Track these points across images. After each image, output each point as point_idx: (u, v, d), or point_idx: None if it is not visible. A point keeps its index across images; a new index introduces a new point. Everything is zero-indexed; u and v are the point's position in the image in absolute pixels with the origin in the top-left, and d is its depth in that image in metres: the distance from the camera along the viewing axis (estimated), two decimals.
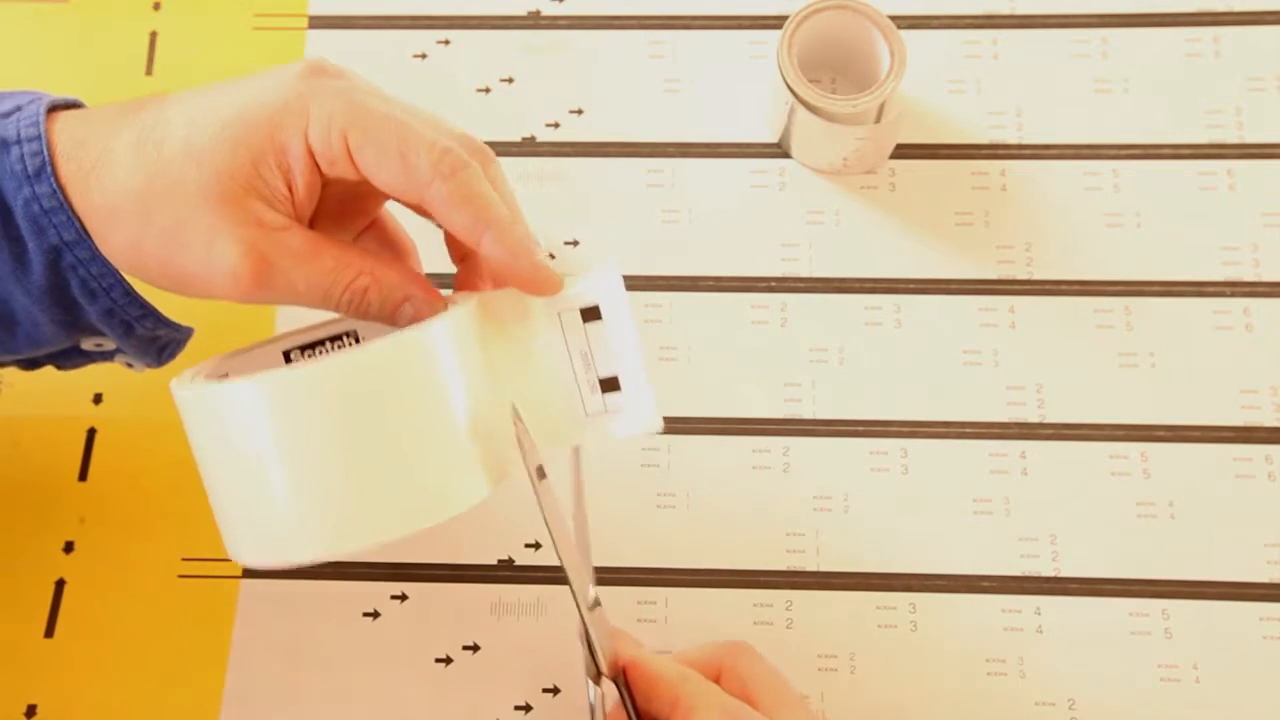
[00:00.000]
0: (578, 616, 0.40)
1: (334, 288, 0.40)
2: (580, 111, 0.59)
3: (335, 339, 0.45)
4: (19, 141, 0.40)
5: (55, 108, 0.42)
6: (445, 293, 0.44)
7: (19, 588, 0.52)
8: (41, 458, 0.54)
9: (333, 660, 0.51)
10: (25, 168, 0.40)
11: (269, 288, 0.39)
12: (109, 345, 0.46)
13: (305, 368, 0.37)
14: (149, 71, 0.61)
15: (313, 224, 0.43)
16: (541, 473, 0.40)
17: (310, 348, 0.45)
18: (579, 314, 0.41)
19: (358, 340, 0.45)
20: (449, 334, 0.38)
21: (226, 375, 0.42)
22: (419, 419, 0.37)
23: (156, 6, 0.62)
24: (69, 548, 0.53)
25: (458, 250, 0.45)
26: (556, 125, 0.59)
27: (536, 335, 0.41)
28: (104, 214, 0.40)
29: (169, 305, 0.44)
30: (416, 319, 0.40)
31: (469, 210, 0.39)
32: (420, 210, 0.41)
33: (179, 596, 0.52)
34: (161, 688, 0.51)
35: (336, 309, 0.41)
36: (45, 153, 0.40)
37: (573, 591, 0.40)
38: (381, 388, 0.37)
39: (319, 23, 0.61)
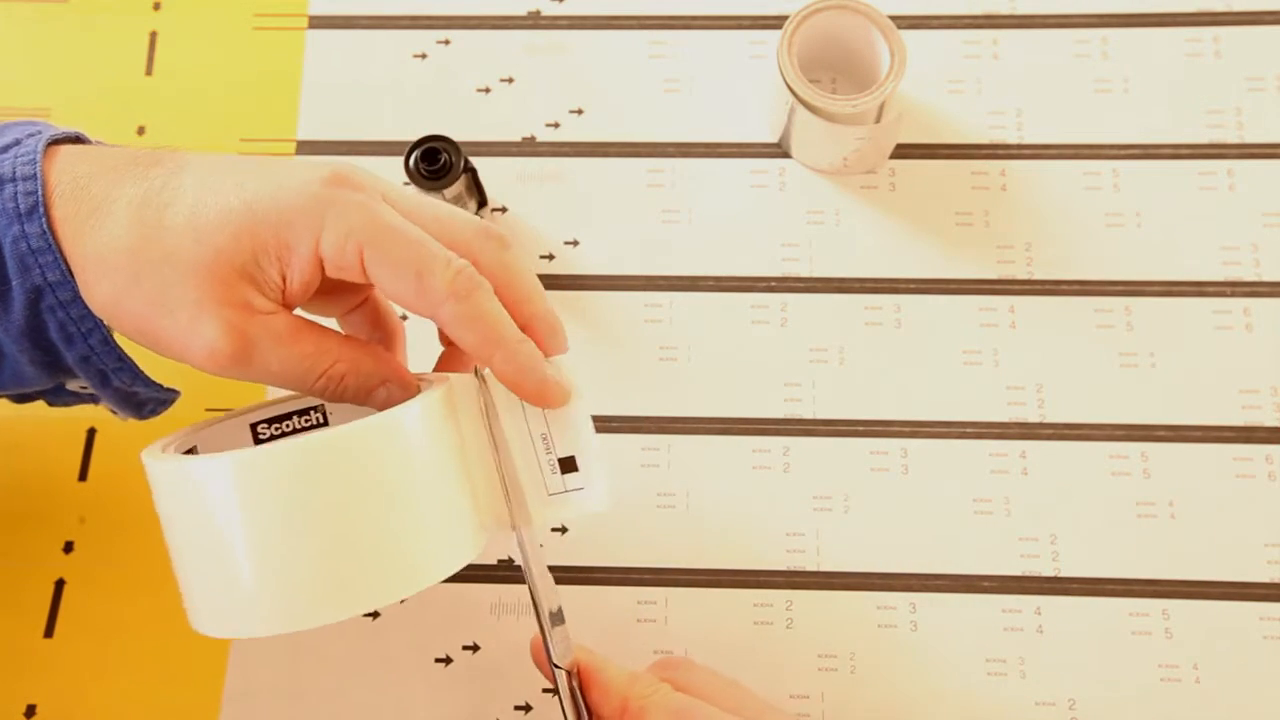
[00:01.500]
0: (538, 620, 0.40)
1: (310, 373, 0.40)
2: (580, 111, 0.59)
3: (303, 413, 0.45)
4: (14, 180, 0.40)
5: (56, 141, 0.42)
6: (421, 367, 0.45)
7: (19, 588, 0.52)
8: (41, 458, 0.54)
9: (333, 660, 0.51)
10: (18, 205, 0.40)
11: (245, 366, 0.40)
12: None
13: (270, 448, 0.37)
14: (149, 71, 0.61)
15: (307, 304, 0.43)
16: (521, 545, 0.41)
17: (278, 421, 0.45)
18: None
19: (324, 415, 0.45)
20: (417, 420, 0.39)
21: (194, 448, 0.43)
22: (382, 502, 0.38)
23: (156, 6, 0.62)
24: (69, 548, 0.53)
25: (445, 335, 0.45)
26: (556, 125, 0.59)
27: (501, 418, 0.42)
28: (93, 263, 0.39)
29: (156, 366, 0.44)
30: (390, 403, 0.41)
31: (480, 330, 0.40)
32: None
33: (179, 596, 0.52)
34: (161, 688, 0.51)
35: (311, 393, 0.41)
36: (39, 192, 0.40)
37: (535, 603, 0.40)
38: (346, 471, 0.37)
39: (319, 23, 0.61)
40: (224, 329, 0.39)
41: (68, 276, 0.40)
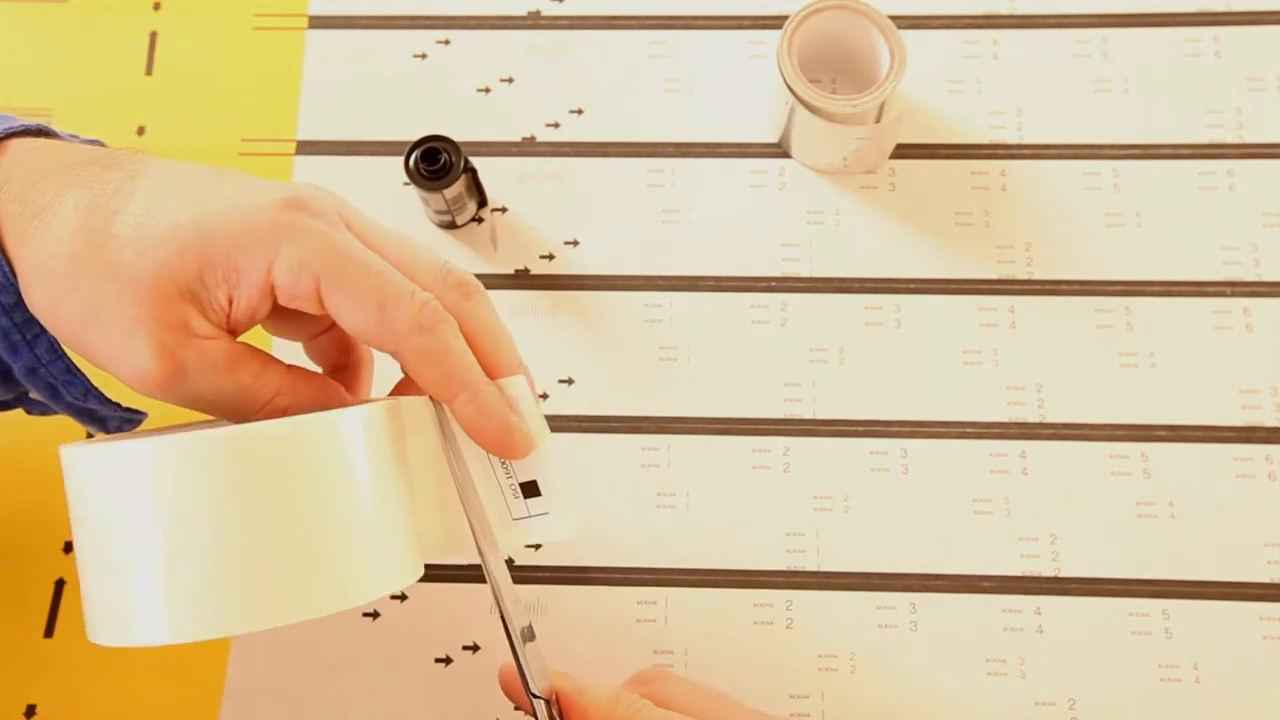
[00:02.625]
0: (511, 647, 0.39)
1: (248, 404, 0.38)
2: (580, 111, 0.59)
3: None
4: None
5: (15, 134, 0.39)
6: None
7: (19, 588, 0.52)
8: (41, 458, 0.54)
9: (333, 660, 0.51)
10: None
11: (175, 392, 0.37)
12: None
13: (199, 434, 0.34)
14: (149, 71, 0.61)
15: (265, 324, 0.41)
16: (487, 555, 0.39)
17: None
18: None
19: None
20: (359, 425, 0.37)
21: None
22: (315, 504, 0.36)
23: (156, 6, 0.62)
24: (69, 548, 0.53)
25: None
26: (556, 125, 0.59)
27: (458, 438, 0.40)
28: (32, 266, 0.37)
29: (117, 384, 0.41)
30: None
31: (444, 367, 0.38)
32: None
33: None
34: (161, 688, 0.51)
35: (250, 419, 0.39)
36: None
37: (505, 622, 0.39)
38: (279, 465, 0.35)
39: (319, 23, 0.61)
40: (155, 350, 0.36)
41: (10, 279, 0.38)
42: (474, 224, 0.58)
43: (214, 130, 0.59)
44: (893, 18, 0.55)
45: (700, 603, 0.52)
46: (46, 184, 0.38)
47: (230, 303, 0.38)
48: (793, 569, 0.52)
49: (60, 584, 0.53)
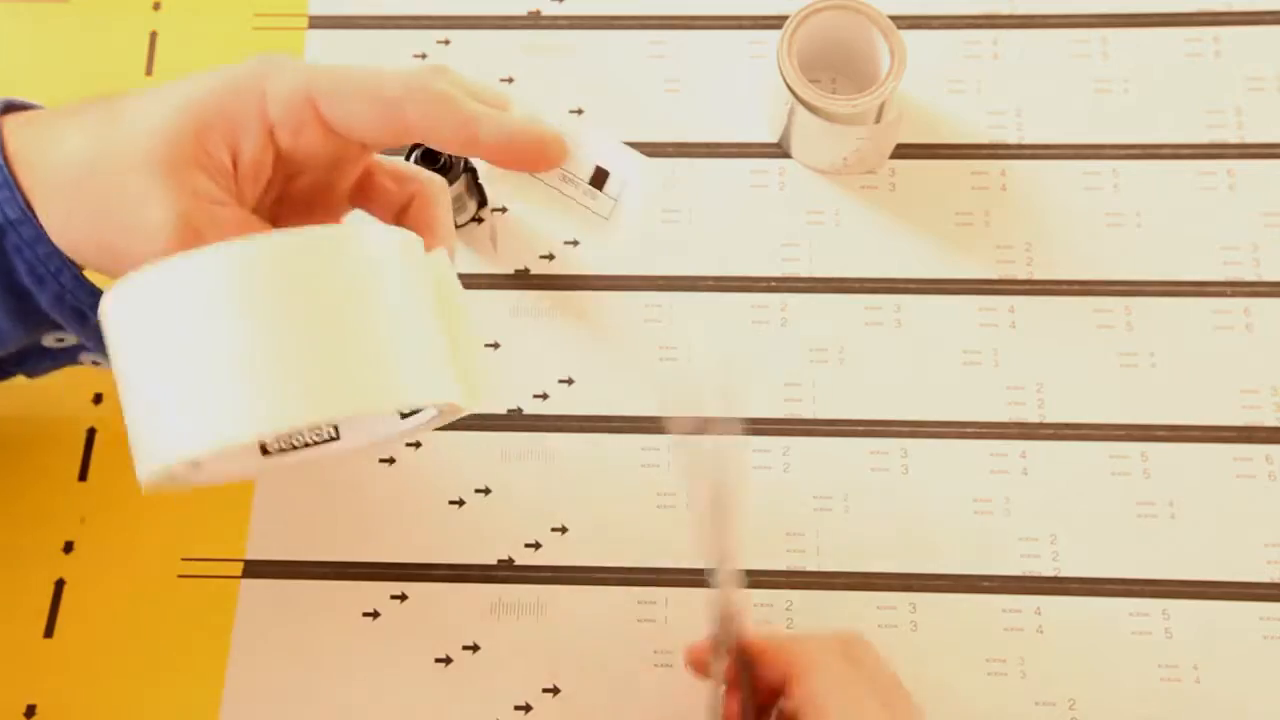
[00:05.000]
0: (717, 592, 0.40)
1: None
2: (580, 111, 0.59)
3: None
4: None
5: (13, 107, 0.41)
6: None
7: (19, 588, 0.52)
8: (41, 458, 0.54)
9: (333, 660, 0.51)
10: None
11: None
12: (70, 339, 0.45)
13: (262, 239, 0.34)
14: (149, 71, 0.61)
15: (276, 220, 0.42)
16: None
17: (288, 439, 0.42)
18: None
19: (336, 432, 0.42)
20: (407, 246, 0.37)
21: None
22: (367, 306, 0.35)
23: (156, 6, 0.62)
24: (69, 548, 0.53)
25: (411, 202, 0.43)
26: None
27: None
28: (48, 187, 0.39)
29: None
30: None
31: (457, 112, 0.38)
32: (397, 152, 0.40)
33: (179, 596, 0.52)
34: (161, 688, 0.51)
35: None
36: None
37: (716, 573, 0.39)
38: (339, 267, 0.35)
39: (319, 23, 0.61)
40: (171, 216, 0.37)
41: (28, 214, 0.39)
42: (474, 224, 0.58)
43: None
44: (893, 18, 0.55)
45: (700, 603, 0.51)
46: (52, 118, 0.40)
47: (235, 162, 0.38)
48: (793, 569, 0.52)
49: (60, 584, 0.53)
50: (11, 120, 0.40)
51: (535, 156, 0.38)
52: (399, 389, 0.35)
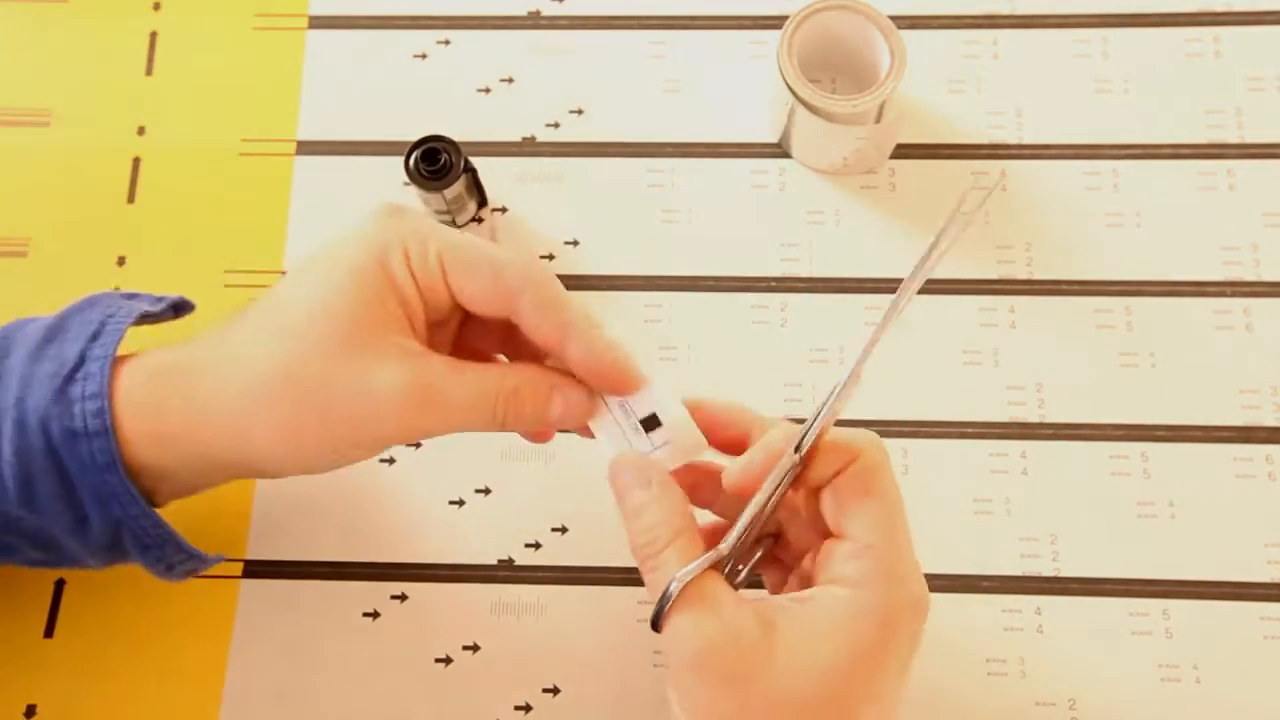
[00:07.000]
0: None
1: (488, 396, 0.41)
2: (580, 111, 0.59)
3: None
4: (86, 434, 0.40)
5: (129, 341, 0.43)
6: None
7: (19, 588, 0.52)
8: None
9: (333, 660, 0.51)
10: (94, 459, 0.40)
11: (430, 409, 0.40)
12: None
13: None
14: (149, 71, 0.61)
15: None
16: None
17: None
18: None
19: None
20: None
21: None
22: None
23: (156, 6, 0.62)
24: None
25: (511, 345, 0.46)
26: (556, 125, 0.59)
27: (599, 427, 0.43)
28: (210, 416, 0.40)
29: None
30: (567, 412, 0.42)
31: (559, 314, 0.41)
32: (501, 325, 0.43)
33: (179, 596, 0.52)
34: (161, 688, 0.51)
35: (494, 422, 0.42)
36: (112, 447, 0.40)
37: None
38: None
39: (319, 23, 0.61)
40: (400, 375, 0.40)
41: (146, 509, 0.42)
42: (474, 224, 0.58)
43: (214, 130, 0.59)
44: (893, 18, 0.55)
45: None
46: (178, 366, 0.42)
47: (410, 319, 0.41)
48: None
49: (60, 584, 0.53)
50: (124, 391, 0.41)
51: (613, 383, 0.42)
52: None
